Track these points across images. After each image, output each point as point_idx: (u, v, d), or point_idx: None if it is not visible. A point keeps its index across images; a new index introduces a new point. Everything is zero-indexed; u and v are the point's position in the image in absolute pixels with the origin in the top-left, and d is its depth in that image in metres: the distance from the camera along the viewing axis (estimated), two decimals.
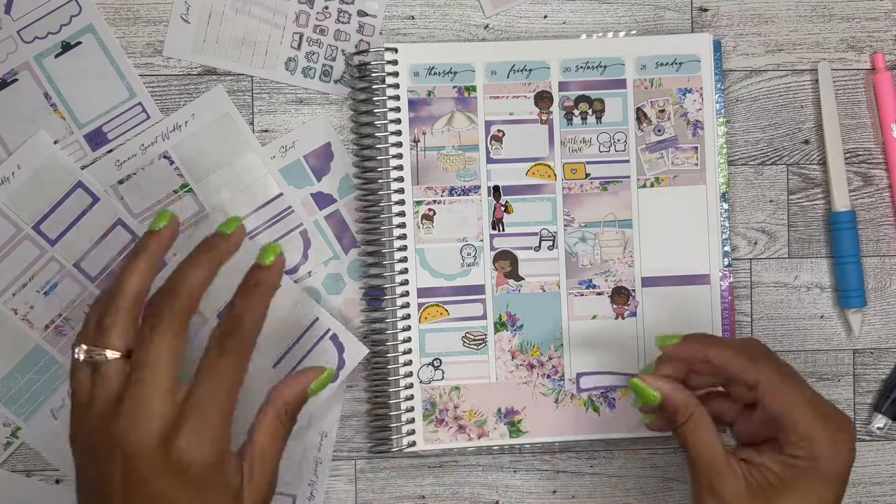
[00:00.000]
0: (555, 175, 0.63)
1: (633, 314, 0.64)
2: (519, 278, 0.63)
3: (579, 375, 0.63)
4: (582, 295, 0.63)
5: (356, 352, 0.63)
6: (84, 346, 0.48)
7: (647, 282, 0.63)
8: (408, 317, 0.62)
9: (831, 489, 0.50)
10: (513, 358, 0.63)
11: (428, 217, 0.63)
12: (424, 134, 0.63)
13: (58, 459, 0.63)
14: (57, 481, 0.63)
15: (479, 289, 0.63)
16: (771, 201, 0.66)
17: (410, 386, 0.63)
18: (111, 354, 0.47)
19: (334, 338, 0.64)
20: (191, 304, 0.48)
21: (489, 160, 0.63)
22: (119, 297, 0.48)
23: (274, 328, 0.64)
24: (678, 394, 0.52)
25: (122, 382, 0.46)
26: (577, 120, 0.63)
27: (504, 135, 0.63)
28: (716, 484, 0.50)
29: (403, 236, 0.63)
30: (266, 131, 0.64)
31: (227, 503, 0.47)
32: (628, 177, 0.64)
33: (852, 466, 0.51)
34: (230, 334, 0.48)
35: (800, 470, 0.50)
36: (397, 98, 0.62)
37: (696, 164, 0.64)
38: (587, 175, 0.63)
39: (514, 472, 0.66)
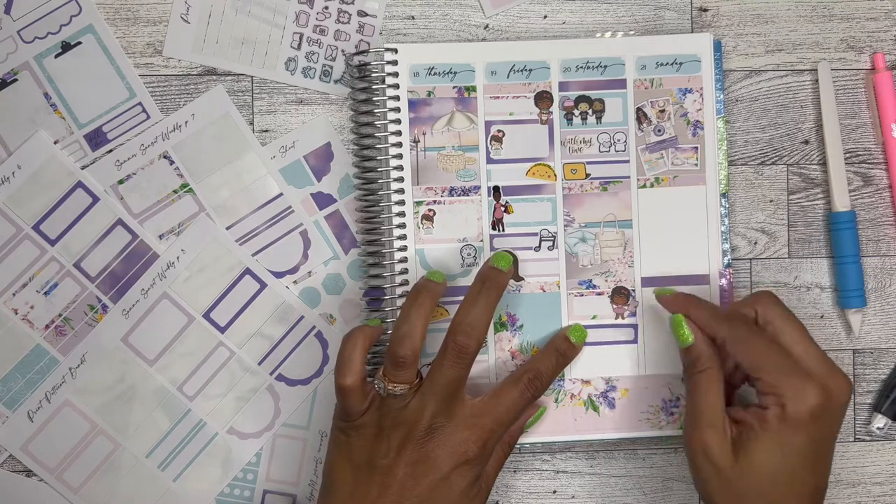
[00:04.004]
0: (555, 175, 0.63)
1: (633, 314, 0.64)
2: (519, 278, 0.63)
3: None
4: (582, 295, 0.63)
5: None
6: (386, 383, 0.56)
7: (647, 282, 0.63)
8: None
9: (797, 436, 0.53)
10: (513, 358, 0.63)
11: (428, 217, 0.63)
12: (424, 134, 0.63)
13: (31, 462, 0.63)
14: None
15: None
16: (771, 201, 0.66)
17: None
18: (404, 388, 0.56)
19: (319, 335, 0.64)
20: (482, 343, 0.57)
21: (489, 160, 0.63)
22: (410, 341, 0.56)
23: (259, 326, 0.64)
24: (705, 345, 0.57)
25: (417, 402, 0.56)
26: (577, 120, 0.63)
27: (504, 135, 0.63)
28: (706, 436, 0.54)
29: (403, 236, 0.63)
30: (266, 131, 0.64)
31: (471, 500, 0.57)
32: (628, 177, 0.64)
33: (833, 420, 0.54)
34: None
35: (767, 418, 0.54)
36: (397, 98, 0.62)
37: (696, 164, 0.64)
38: (587, 175, 0.63)
39: (514, 472, 0.66)
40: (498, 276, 0.58)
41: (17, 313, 0.63)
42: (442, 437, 0.56)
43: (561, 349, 0.60)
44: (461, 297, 0.59)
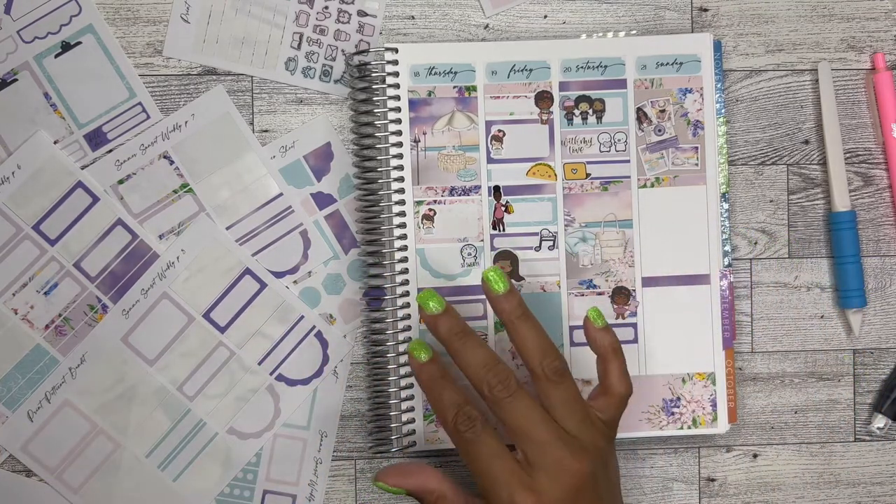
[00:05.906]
0: (555, 175, 0.63)
1: (634, 314, 0.64)
2: (519, 278, 0.63)
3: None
4: (582, 295, 0.63)
5: (340, 348, 0.64)
6: None
7: (648, 282, 0.63)
8: (408, 317, 0.62)
9: None
10: (513, 358, 0.63)
11: (428, 217, 0.63)
12: (425, 134, 0.63)
13: (31, 462, 0.63)
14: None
15: (480, 289, 0.63)
16: (771, 201, 0.66)
17: (410, 386, 0.63)
18: None
19: (319, 334, 0.64)
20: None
21: (489, 160, 0.63)
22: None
23: (259, 326, 0.64)
24: (417, 482, 0.56)
25: None
26: (577, 120, 0.63)
27: (504, 135, 0.63)
28: None
29: (404, 236, 0.63)
30: (266, 131, 0.64)
31: None
32: (629, 177, 0.64)
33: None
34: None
35: None
36: (397, 98, 0.62)
37: (697, 164, 0.64)
38: (588, 175, 0.63)
39: None
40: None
41: (17, 313, 0.63)
42: None
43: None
44: (462, 297, 0.60)
